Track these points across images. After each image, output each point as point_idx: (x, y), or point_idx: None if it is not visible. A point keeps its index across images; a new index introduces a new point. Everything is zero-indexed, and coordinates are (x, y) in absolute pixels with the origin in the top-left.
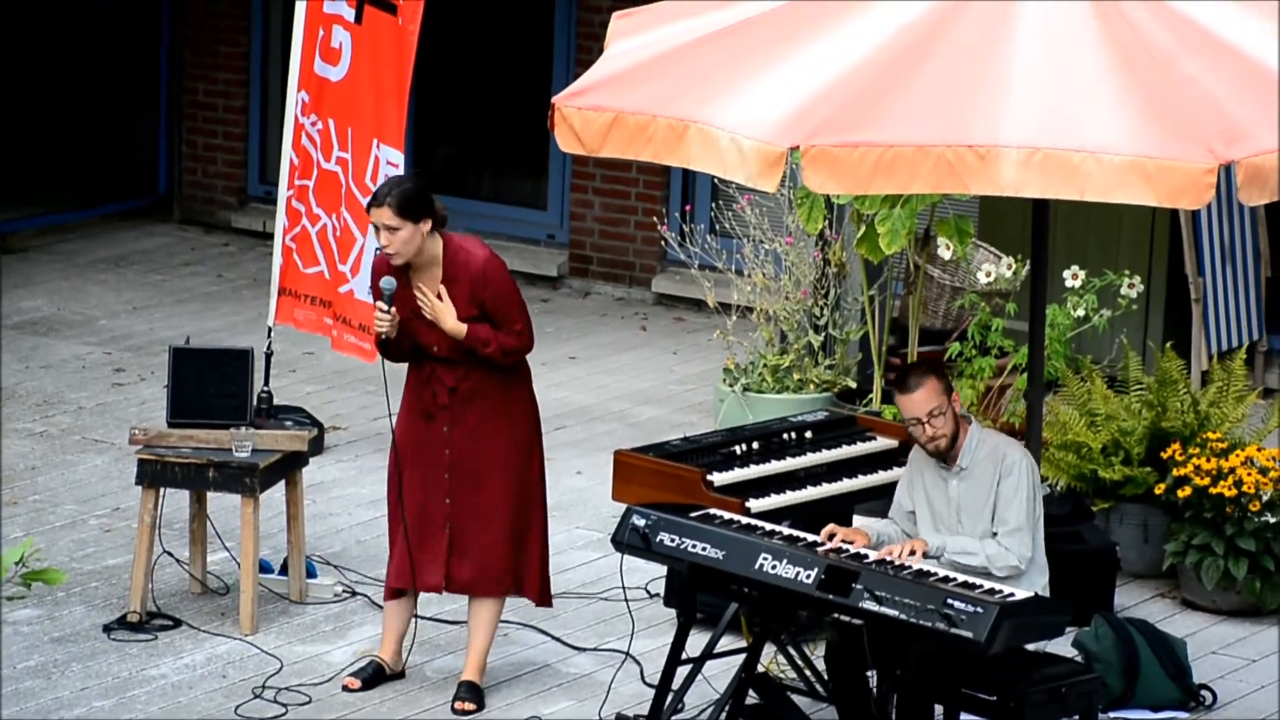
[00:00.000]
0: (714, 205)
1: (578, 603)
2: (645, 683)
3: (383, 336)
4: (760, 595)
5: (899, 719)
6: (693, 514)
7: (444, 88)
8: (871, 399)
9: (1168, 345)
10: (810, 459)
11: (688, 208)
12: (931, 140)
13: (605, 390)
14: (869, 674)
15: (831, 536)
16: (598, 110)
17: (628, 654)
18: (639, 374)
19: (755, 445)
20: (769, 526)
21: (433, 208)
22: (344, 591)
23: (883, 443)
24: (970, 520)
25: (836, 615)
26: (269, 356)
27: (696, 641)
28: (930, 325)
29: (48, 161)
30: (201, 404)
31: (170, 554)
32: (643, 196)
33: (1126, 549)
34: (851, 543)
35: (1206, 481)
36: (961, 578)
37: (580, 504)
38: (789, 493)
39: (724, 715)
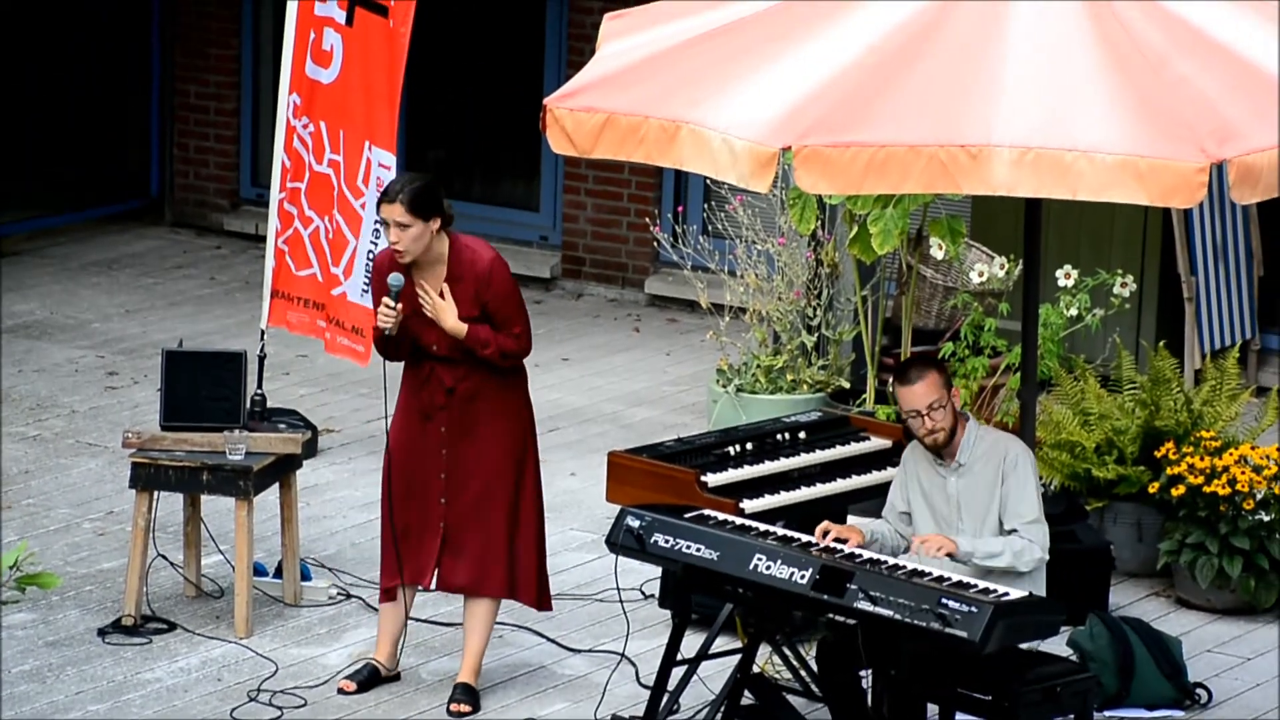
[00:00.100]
0: (706, 206)
1: (572, 604)
2: (640, 684)
3: (384, 332)
4: (755, 596)
5: (893, 719)
6: (687, 515)
7: (436, 89)
8: (865, 399)
9: (1161, 344)
10: (804, 459)
11: (680, 209)
12: (924, 140)
13: (598, 392)
14: (861, 673)
15: (825, 534)
16: (589, 111)
17: (623, 655)
18: (632, 375)
19: (749, 446)
20: (763, 527)
21: (443, 206)
22: (338, 594)
23: (876, 443)
24: (971, 517)
25: (831, 615)
26: (262, 359)
27: (691, 642)
28: (923, 325)
29: (39, 165)
30: (195, 407)
31: (164, 557)
32: (635, 198)
33: (1121, 548)
34: (845, 541)
35: (1200, 480)
36: (956, 577)
37: (574, 505)
38: (783, 493)
39: (719, 716)
